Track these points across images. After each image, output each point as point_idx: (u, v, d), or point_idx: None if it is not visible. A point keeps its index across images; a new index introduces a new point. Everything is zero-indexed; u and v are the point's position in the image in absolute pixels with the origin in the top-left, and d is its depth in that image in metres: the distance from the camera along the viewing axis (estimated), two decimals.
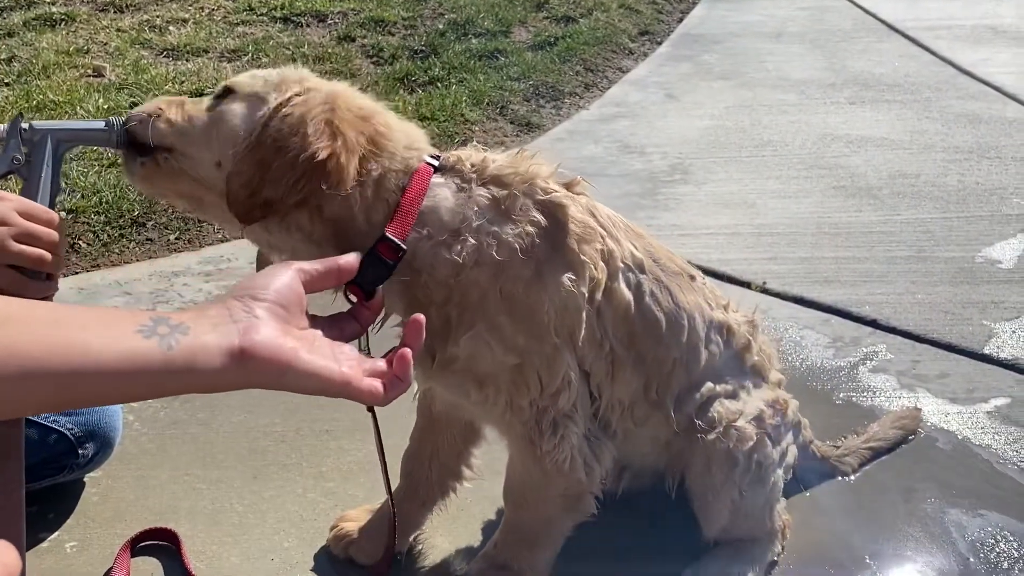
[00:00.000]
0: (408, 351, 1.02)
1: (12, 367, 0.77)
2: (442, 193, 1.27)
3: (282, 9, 5.38)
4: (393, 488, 1.69)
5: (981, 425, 2.11)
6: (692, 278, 1.51)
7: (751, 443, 1.50)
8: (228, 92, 1.31)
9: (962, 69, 4.67)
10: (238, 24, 5.22)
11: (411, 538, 1.70)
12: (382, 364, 1.02)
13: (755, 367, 1.59)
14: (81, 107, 3.74)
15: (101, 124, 1.50)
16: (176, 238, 2.89)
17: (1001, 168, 3.55)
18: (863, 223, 3.15)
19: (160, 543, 1.68)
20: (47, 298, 1.31)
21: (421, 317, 1.12)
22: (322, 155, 1.19)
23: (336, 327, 1.07)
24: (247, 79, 1.32)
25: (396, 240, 1.22)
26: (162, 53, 4.70)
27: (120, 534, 1.71)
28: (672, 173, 3.57)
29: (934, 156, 3.69)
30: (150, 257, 2.79)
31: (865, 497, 1.87)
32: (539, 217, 1.29)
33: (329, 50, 4.72)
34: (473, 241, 1.25)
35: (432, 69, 4.51)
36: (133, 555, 1.65)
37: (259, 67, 4.46)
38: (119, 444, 1.84)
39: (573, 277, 1.30)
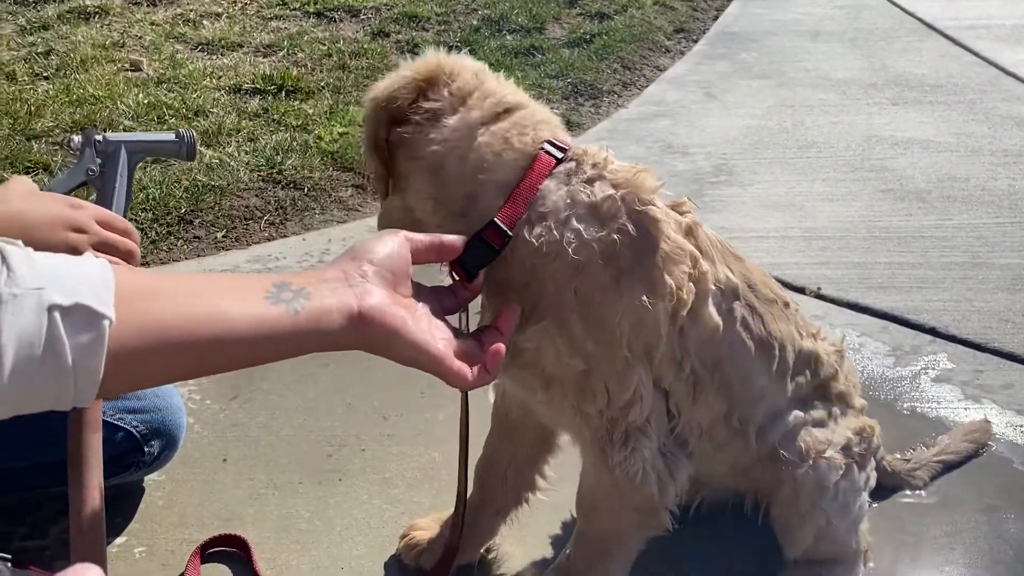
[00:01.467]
0: (501, 347, 1.07)
1: (161, 340, 0.80)
2: (551, 182, 1.24)
3: (315, 4, 5.36)
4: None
5: None
6: (786, 305, 1.47)
7: (840, 472, 1.47)
8: None
9: (1005, 70, 4.60)
10: (271, 19, 5.21)
11: (483, 548, 1.67)
12: (474, 346, 1.06)
13: (840, 395, 1.55)
14: (121, 102, 3.73)
15: (171, 136, 1.53)
16: (224, 236, 2.87)
17: None
18: (914, 227, 3.10)
19: (229, 550, 1.66)
20: None
21: (517, 307, 1.16)
22: (371, 93, 1.28)
23: (436, 299, 1.11)
24: None
25: (503, 226, 1.21)
26: (197, 47, 4.69)
27: (187, 539, 1.69)
28: (717, 174, 3.53)
29: (982, 160, 3.63)
30: (198, 255, 2.78)
31: (943, 514, 1.83)
32: (629, 226, 1.25)
33: (364, 46, 4.70)
34: (555, 231, 1.22)
35: None
36: (203, 562, 1.63)
37: (295, 62, 4.48)
38: (182, 445, 1.82)
39: (652, 295, 1.26)
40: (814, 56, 4.91)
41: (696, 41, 5.17)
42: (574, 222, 1.22)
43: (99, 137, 1.43)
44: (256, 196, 3.10)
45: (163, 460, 1.78)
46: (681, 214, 1.34)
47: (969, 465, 1.98)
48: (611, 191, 1.25)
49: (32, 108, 3.60)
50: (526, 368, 1.28)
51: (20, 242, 0.77)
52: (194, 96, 3.90)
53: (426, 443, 1.98)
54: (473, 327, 1.24)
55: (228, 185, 3.09)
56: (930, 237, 3.04)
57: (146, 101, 3.79)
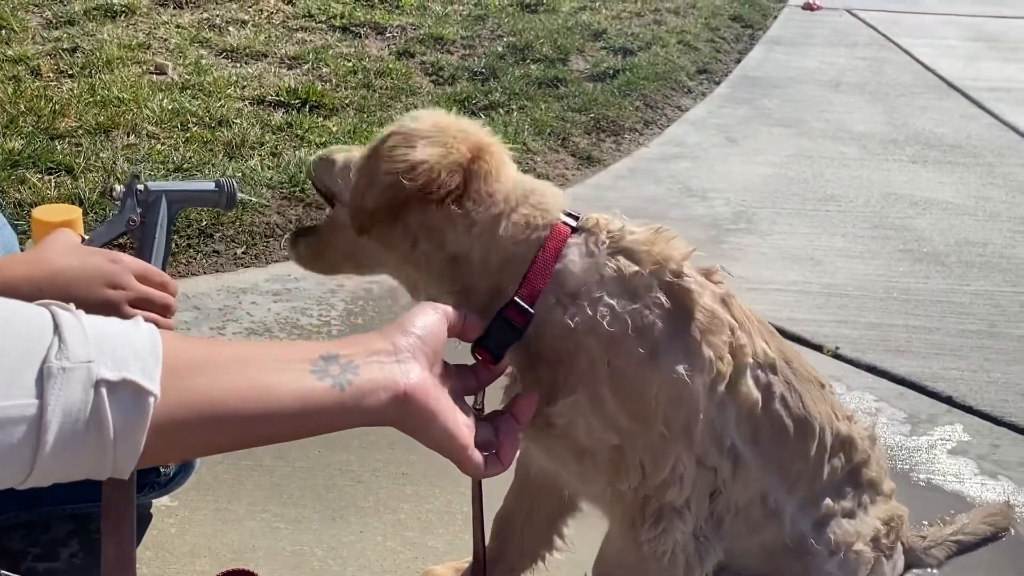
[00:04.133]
0: (516, 440, 1.06)
1: (204, 414, 0.79)
2: (571, 255, 1.23)
3: (341, 18, 5.37)
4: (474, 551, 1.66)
5: None
6: (822, 386, 1.45)
7: (868, 566, 1.46)
8: None
9: None
10: (297, 30, 5.22)
11: None
12: (490, 433, 1.05)
13: (872, 481, 1.52)
14: (146, 106, 3.73)
15: (211, 185, 1.54)
16: (243, 252, 2.86)
17: None
18: (931, 291, 3.11)
19: None
20: None
21: (535, 396, 1.13)
22: (416, 156, 1.19)
23: (460, 379, 1.08)
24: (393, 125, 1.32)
25: (524, 305, 1.19)
26: (221, 54, 4.69)
27: (200, 571, 1.67)
28: (736, 221, 3.53)
29: (1000, 225, 3.64)
30: (217, 271, 2.76)
31: None
32: (663, 299, 1.24)
33: (389, 65, 4.71)
34: (589, 310, 1.21)
35: (492, 93, 4.48)
36: None
37: (320, 77, 4.48)
38: (197, 470, 1.80)
39: (689, 368, 1.24)
40: (835, 107, 4.93)
41: (718, 83, 5.19)
42: (606, 298, 1.21)
43: (141, 186, 1.43)
44: (277, 213, 3.09)
45: (178, 482, 1.76)
46: (714, 283, 1.32)
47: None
48: (636, 267, 1.24)
49: (56, 107, 3.59)
50: (557, 440, 1.26)
51: (72, 305, 0.76)
52: (218, 105, 3.90)
53: (441, 485, 1.96)
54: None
55: (250, 200, 3.08)
56: (947, 302, 3.04)
57: (170, 107, 3.79)
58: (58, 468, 0.71)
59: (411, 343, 0.95)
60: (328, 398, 0.86)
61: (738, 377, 1.31)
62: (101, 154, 3.29)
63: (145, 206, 1.42)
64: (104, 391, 0.71)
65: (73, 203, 2.92)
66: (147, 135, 3.52)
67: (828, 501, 1.45)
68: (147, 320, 1.27)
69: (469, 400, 1.11)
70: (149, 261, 1.38)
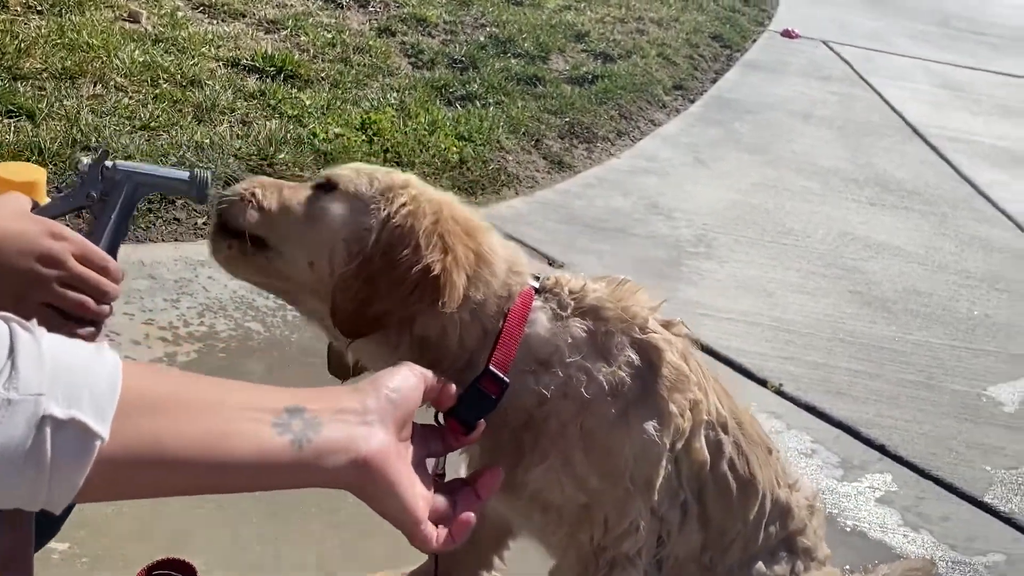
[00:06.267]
0: (472, 518, 0.99)
1: (152, 459, 0.76)
2: (539, 319, 1.24)
3: None
4: (417, 566, 1.67)
5: None
6: (769, 451, 1.48)
7: None
8: (329, 186, 1.26)
9: (979, 189, 4.76)
10: None
11: None
12: (446, 506, 0.99)
13: (807, 549, 1.56)
14: (116, 56, 3.62)
15: (185, 175, 1.42)
16: (204, 223, 2.81)
17: (1010, 303, 3.64)
18: (876, 336, 3.20)
19: (175, 574, 1.62)
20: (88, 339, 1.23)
21: (500, 472, 1.07)
22: (436, 269, 1.16)
23: (424, 444, 1.05)
24: (350, 174, 1.26)
25: (500, 375, 1.18)
26: (199, 8, 4.58)
27: (133, 555, 1.65)
28: (697, 244, 3.58)
29: (947, 277, 3.76)
30: (176, 239, 2.71)
31: None
32: (634, 357, 1.26)
33: (369, 42, 4.65)
34: (562, 375, 1.22)
35: (470, 84, 4.46)
36: None
37: (297, 45, 4.41)
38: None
39: (658, 426, 1.27)
40: (803, 138, 5.02)
41: (693, 101, 5.24)
42: (580, 361, 1.22)
43: (109, 163, 1.36)
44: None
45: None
46: (674, 335, 1.34)
47: None
48: (606, 323, 1.25)
49: (22, 45, 3.47)
50: (524, 501, 1.28)
51: (34, 322, 0.72)
52: (191, 63, 3.81)
53: None
54: None
55: (215, 170, 3.02)
56: (889, 350, 3.13)
57: (141, 60, 3.68)
58: None
59: (381, 406, 0.92)
60: (284, 455, 0.83)
61: (693, 435, 1.33)
62: (65, 102, 3.19)
63: (110, 184, 1.35)
64: (48, 429, 0.68)
65: (32, 151, 2.83)
66: (115, 87, 3.43)
67: (760, 565, 1.48)
68: (73, 301, 1.23)
69: (430, 463, 1.06)
70: (98, 243, 1.32)
